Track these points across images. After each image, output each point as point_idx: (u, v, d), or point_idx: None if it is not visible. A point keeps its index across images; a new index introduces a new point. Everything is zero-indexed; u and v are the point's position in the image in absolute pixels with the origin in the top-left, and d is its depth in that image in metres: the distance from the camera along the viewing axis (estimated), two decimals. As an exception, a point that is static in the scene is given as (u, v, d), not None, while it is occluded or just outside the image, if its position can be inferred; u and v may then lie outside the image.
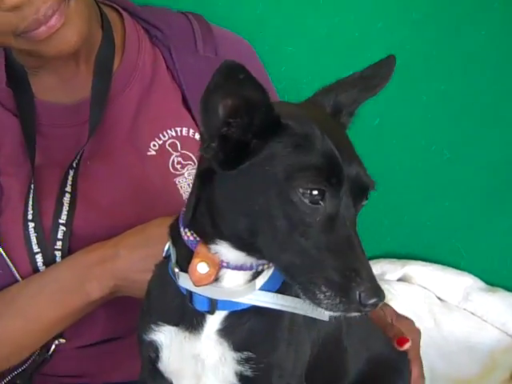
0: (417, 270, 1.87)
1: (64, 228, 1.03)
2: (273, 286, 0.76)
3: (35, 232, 1.03)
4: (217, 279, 0.74)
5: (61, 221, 1.03)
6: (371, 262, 1.87)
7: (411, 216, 1.91)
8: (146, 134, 1.15)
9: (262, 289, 0.76)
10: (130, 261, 0.96)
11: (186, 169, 1.14)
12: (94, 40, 1.10)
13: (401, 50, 1.70)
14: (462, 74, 1.76)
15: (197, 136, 1.17)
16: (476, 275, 1.93)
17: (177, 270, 0.75)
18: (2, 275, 1.03)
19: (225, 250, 0.73)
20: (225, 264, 0.73)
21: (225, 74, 0.62)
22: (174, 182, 1.13)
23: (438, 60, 1.74)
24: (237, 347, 0.77)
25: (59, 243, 1.03)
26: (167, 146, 1.15)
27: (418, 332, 1.14)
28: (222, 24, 1.37)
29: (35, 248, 1.02)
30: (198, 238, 0.73)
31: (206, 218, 0.72)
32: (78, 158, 1.06)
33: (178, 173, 1.14)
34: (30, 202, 1.03)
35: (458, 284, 1.87)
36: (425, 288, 1.86)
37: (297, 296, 0.72)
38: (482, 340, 1.80)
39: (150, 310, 0.82)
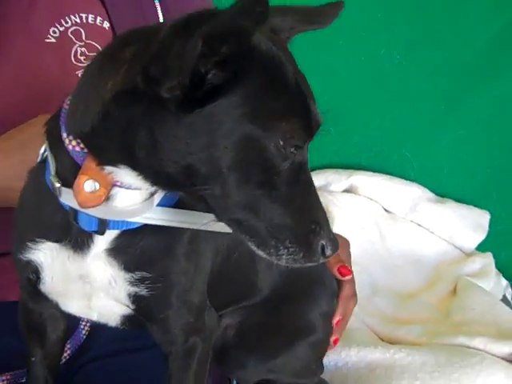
0: (363, 180, 1.78)
1: None
2: (170, 201, 0.68)
3: None
4: (108, 198, 0.64)
5: None
6: (316, 172, 1.82)
7: (358, 124, 1.82)
8: (45, 18, 1.03)
9: (159, 205, 0.67)
10: (4, 167, 0.84)
11: None
12: None
13: None
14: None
15: (105, 24, 1.04)
16: (425, 186, 1.86)
17: (58, 184, 0.64)
18: None
19: (128, 177, 0.62)
20: (119, 184, 0.63)
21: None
22: (76, 74, 1.00)
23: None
24: (128, 268, 0.69)
25: None
26: (69, 34, 1.03)
27: (348, 244, 1.05)
28: None
29: None
30: (85, 150, 0.62)
31: (117, 140, 0.60)
32: None
33: (81, 65, 1.02)
34: None
35: (405, 195, 1.80)
36: (371, 199, 1.79)
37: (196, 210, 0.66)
38: (428, 253, 1.76)
39: (25, 225, 0.72)
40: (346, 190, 1.79)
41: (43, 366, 0.83)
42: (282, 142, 0.59)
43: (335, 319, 1.00)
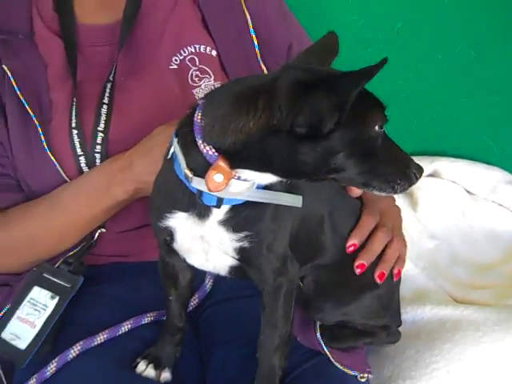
0: (446, 165, 1.97)
1: (102, 134, 1.21)
2: (261, 187, 0.93)
3: (78, 138, 1.21)
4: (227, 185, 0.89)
5: (99, 128, 1.22)
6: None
7: (440, 114, 2.00)
8: (169, 50, 1.30)
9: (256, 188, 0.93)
10: (141, 167, 1.13)
11: (202, 81, 1.29)
12: None
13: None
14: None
15: (213, 53, 1.32)
16: (507, 170, 2.02)
17: (191, 174, 0.89)
18: (52, 176, 1.22)
19: (253, 176, 0.88)
20: (236, 177, 0.88)
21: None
22: (192, 92, 1.29)
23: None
24: (235, 230, 0.95)
25: (98, 147, 1.22)
26: (187, 61, 1.30)
27: (397, 209, 1.31)
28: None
29: (79, 151, 1.21)
30: (216, 154, 0.86)
31: (257, 159, 0.85)
32: (113, 72, 1.23)
33: (195, 85, 1.29)
34: (74, 113, 1.22)
35: (486, 177, 1.96)
36: (454, 182, 1.97)
37: (278, 190, 0.93)
38: (507, 228, 1.91)
39: (162, 201, 0.98)
40: (430, 175, 1.98)
41: (178, 304, 1.12)
42: (377, 129, 0.86)
43: (349, 242, 1.13)
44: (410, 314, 1.49)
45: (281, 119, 0.81)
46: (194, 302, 1.26)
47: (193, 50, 1.31)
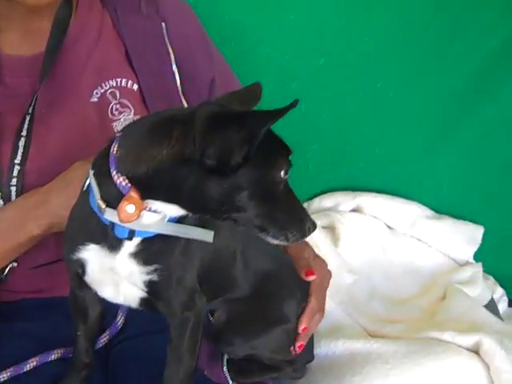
0: (368, 200, 2.03)
1: (18, 167, 1.21)
2: (174, 219, 0.95)
3: None
4: (138, 217, 0.91)
5: (16, 161, 1.21)
6: (328, 195, 2.06)
7: (363, 151, 2.05)
8: (91, 83, 1.31)
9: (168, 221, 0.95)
10: (58, 202, 1.13)
11: (122, 115, 1.30)
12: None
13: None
14: (401, 13, 1.88)
15: (135, 87, 1.33)
16: (425, 204, 2.09)
17: (104, 205, 0.91)
18: None
19: (164, 208, 0.90)
20: (148, 208, 0.90)
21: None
22: (112, 126, 1.30)
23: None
24: (146, 263, 0.96)
25: (14, 180, 1.20)
26: (108, 95, 1.31)
27: (329, 273, 1.35)
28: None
29: None
30: (129, 185, 0.88)
31: (166, 189, 0.88)
32: (33, 104, 1.22)
33: (115, 118, 1.30)
34: None
35: (406, 212, 2.04)
36: (375, 217, 2.03)
37: (190, 225, 0.95)
38: (426, 263, 1.98)
39: (75, 233, 1.00)
40: (353, 210, 2.04)
41: (86, 338, 1.11)
42: (282, 174, 0.89)
43: (301, 326, 1.22)
44: (323, 348, 1.52)
45: (193, 150, 0.83)
46: (104, 338, 1.25)
47: (114, 84, 1.31)
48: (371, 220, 2.02)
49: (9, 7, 1.21)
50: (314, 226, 0.92)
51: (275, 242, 0.91)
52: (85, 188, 0.97)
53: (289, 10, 1.84)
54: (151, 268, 0.96)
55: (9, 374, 1.13)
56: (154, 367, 1.16)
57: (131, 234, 0.92)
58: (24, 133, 1.22)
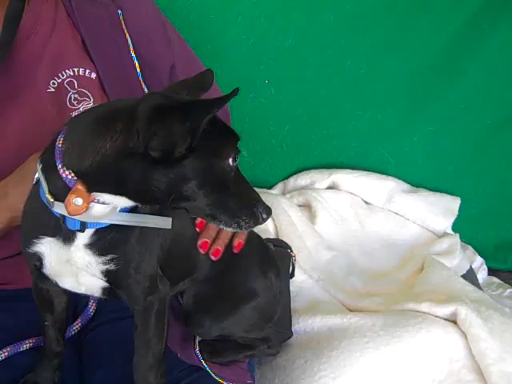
0: (343, 177, 2.04)
1: None
2: (126, 209, 0.95)
3: None
4: (87, 209, 0.91)
5: None
6: (302, 173, 2.07)
7: (336, 128, 2.07)
8: (47, 74, 1.29)
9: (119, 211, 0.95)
10: (16, 196, 1.11)
11: (81, 104, 1.30)
12: None
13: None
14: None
15: (93, 75, 1.32)
16: (403, 179, 2.10)
17: (51, 199, 0.91)
18: None
19: (112, 200, 0.89)
20: (96, 200, 0.90)
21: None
22: (71, 115, 1.28)
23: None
24: (101, 253, 0.96)
25: None
26: (65, 84, 1.30)
27: None
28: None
29: None
30: (75, 178, 0.88)
31: (110, 179, 0.87)
32: None
33: (74, 107, 1.30)
34: None
35: (381, 187, 2.05)
36: (351, 193, 2.04)
37: (144, 213, 0.95)
38: (403, 236, 2.00)
39: (30, 227, 1.00)
40: (329, 187, 2.05)
41: (54, 329, 1.12)
42: (230, 162, 0.89)
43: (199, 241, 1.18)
44: (301, 324, 1.53)
45: (137, 142, 0.83)
46: (77, 325, 1.26)
47: (71, 73, 1.30)
48: (348, 196, 2.03)
49: None
50: (267, 211, 0.92)
51: (229, 229, 0.92)
52: (34, 181, 0.97)
53: (252, -8, 1.84)
54: (107, 258, 0.96)
55: None
56: (127, 352, 1.16)
57: (83, 226, 0.92)
58: None
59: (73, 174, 0.88)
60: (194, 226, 1.16)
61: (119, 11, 1.33)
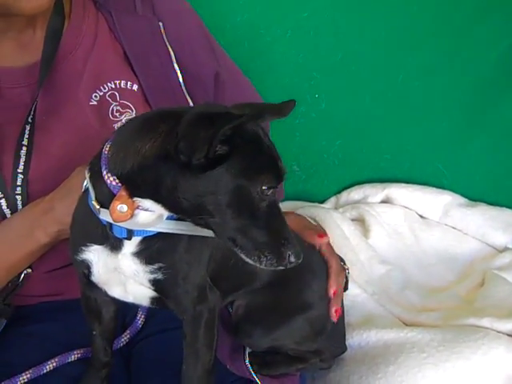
0: (397, 192, 1.99)
1: (22, 176, 1.21)
2: (173, 217, 0.94)
3: None
4: (132, 216, 0.90)
5: (19, 170, 1.21)
6: (355, 188, 2.04)
7: (390, 142, 2.02)
8: (89, 87, 1.31)
9: (166, 219, 0.94)
10: (62, 209, 1.13)
11: (123, 115, 1.31)
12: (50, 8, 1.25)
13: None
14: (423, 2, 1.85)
15: (135, 87, 1.33)
16: (459, 193, 2.03)
17: (98, 206, 0.91)
18: None
19: (149, 205, 0.89)
20: (140, 207, 0.90)
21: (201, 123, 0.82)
22: (113, 127, 1.29)
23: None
24: (149, 262, 0.95)
25: (19, 189, 1.21)
26: (107, 97, 1.31)
27: (327, 236, 1.29)
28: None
29: None
30: (119, 184, 0.89)
31: (147, 183, 0.87)
32: (32, 113, 1.23)
33: (116, 119, 1.31)
34: None
35: (437, 202, 1.98)
36: (406, 207, 1.99)
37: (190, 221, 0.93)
38: (462, 251, 1.92)
39: (78, 235, 1.00)
40: (383, 201, 2.00)
41: (102, 338, 1.11)
42: (261, 189, 0.86)
43: (331, 290, 1.20)
44: (355, 338, 1.48)
45: (171, 144, 0.83)
46: (125, 337, 1.25)
47: (113, 86, 1.32)
48: (402, 210, 1.97)
49: (3, 22, 1.22)
50: (297, 255, 0.88)
51: (248, 260, 0.88)
52: (83, 190, 0.98)
53: (302, 8, 1.82)
54: (154, 267, 0.95)
55: (28, 375, 1.13)
56: (176, 363, 1.15)
57: (129, 234, 0.92)
58: (25, 142, 1.22)
59: (117, 181, 0.88)
60: None
61: (160, 23, 1.34)
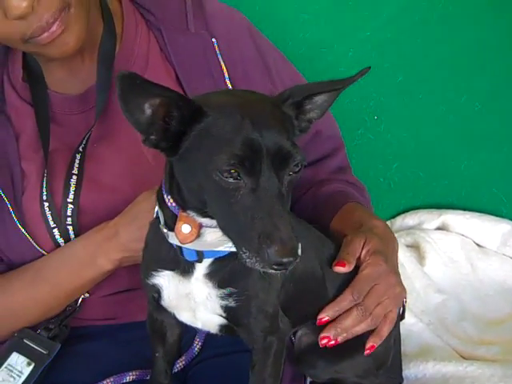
0: (454, 218, 1.94)
1: (72, 206, 1.20)
2: None
3: (49, 210, 1.20)
4: (199, 235, 0.89)
5: (69, 200, 1.20)
6: (410, 213, 1.99)
7: (447, 167, 1.98)
8: None
9: None
10: (128, 235, 1.13)
11: None
12: (96, 32, 1.23)
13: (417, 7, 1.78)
14: (484, 23, 1.81)
15: None
16: (518, 221, 1.97)
17: (165, 230, 0.91)
18: (28, 249, 1.21)
19: (196, 216, 0.88)
20: (204, 224, 0.88)
21: (125, 83, 0.78)
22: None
23: (458, 12, 1.80)
24: (220, 285, 0.94)
25: (69, 219, 1.20)
26: None
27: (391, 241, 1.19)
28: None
29: (52, 224, 1.20)
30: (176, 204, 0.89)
31: (176, 191, 0.88)
32: (85, 141, 1.21)
33: None
34: (44, 184, 1.20)
35: (495, 230, 1.93)
36: (462, 235, 1.93)
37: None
38: (520, 283, 1.86)
39: (150, 260, 1.00)
40: (438, 228, 1.96)
41: (164, 361, 1.10)
42: (221, 172, 0.78)
43: (320, 316, 1.05)
44: (412, 370, 1.44)
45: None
46: (181, 363, 1.24)
47: None
48: (458, 238, 1.92)
49: (44, 58, 1.19)
50: (284, 255, 0.75)
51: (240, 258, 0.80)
52: (155, 215, 0.97)
53: (364, 27, 1.81)
54: (225, 292, 0.93)
55: None
56: (231, 387, 1.14)
57: (199, 256, 0.90)
58: (75, 171, 1.21)
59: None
60: (320, 268, 1.08)
61: (213, 40, 1.28)
